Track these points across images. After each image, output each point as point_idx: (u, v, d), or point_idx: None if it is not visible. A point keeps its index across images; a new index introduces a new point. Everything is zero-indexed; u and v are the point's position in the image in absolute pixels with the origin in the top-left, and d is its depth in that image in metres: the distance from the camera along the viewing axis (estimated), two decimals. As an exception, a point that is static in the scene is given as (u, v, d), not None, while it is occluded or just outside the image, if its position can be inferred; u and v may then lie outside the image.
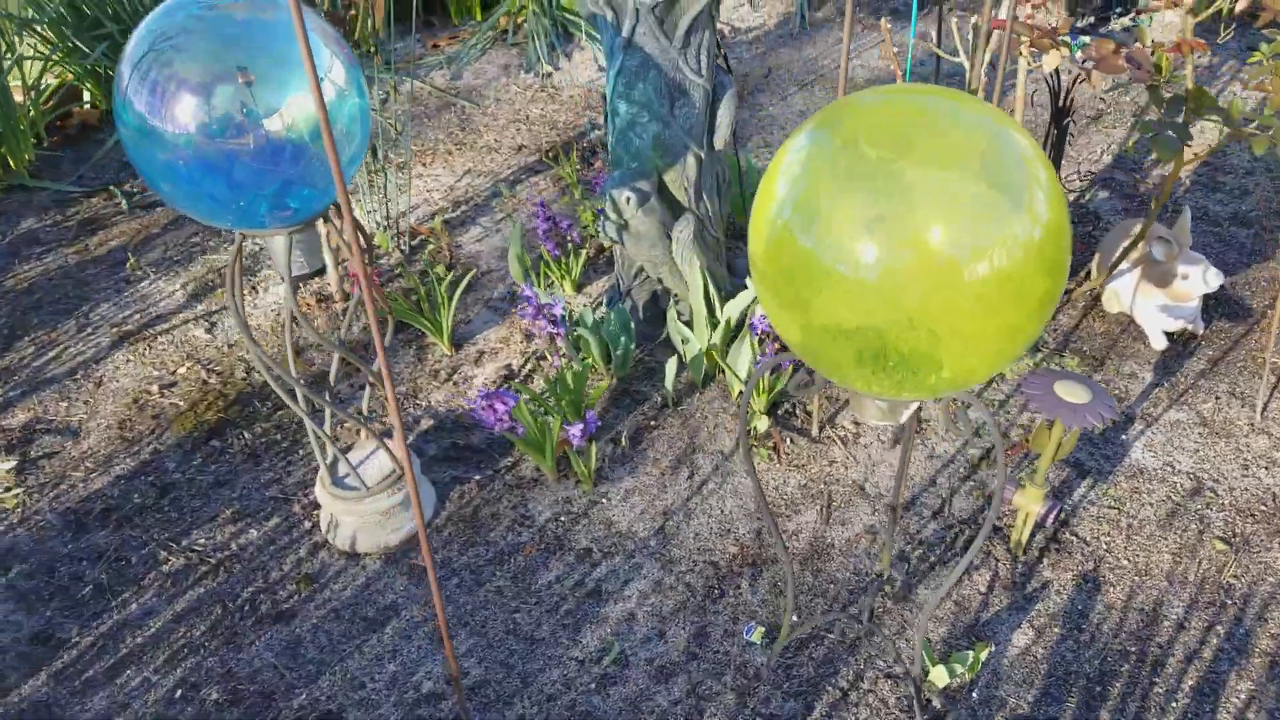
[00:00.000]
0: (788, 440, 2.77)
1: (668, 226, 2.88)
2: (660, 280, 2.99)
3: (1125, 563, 2.45)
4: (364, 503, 2.50)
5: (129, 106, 1.87)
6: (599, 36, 4.08)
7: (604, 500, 2.66)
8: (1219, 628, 2.31)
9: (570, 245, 3.30)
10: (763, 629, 2.34)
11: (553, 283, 3.28)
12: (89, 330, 3.26)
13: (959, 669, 2.20)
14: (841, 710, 2.18)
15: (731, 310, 2.90)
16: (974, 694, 2.20)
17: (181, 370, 3.09)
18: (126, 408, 2.98)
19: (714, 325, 2.88)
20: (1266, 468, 2.66)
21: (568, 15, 4.75)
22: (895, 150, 1.29)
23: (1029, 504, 2.38)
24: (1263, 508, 2.56)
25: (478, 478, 2.73)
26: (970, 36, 3.25)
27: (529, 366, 3.03)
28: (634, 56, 2.71)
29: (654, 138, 2.79)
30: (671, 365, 2.83)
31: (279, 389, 2.30)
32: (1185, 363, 2.97)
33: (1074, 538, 2.50)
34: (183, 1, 1.90)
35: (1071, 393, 2.18)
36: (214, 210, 1.93)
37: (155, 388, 3.03)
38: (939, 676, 2.19)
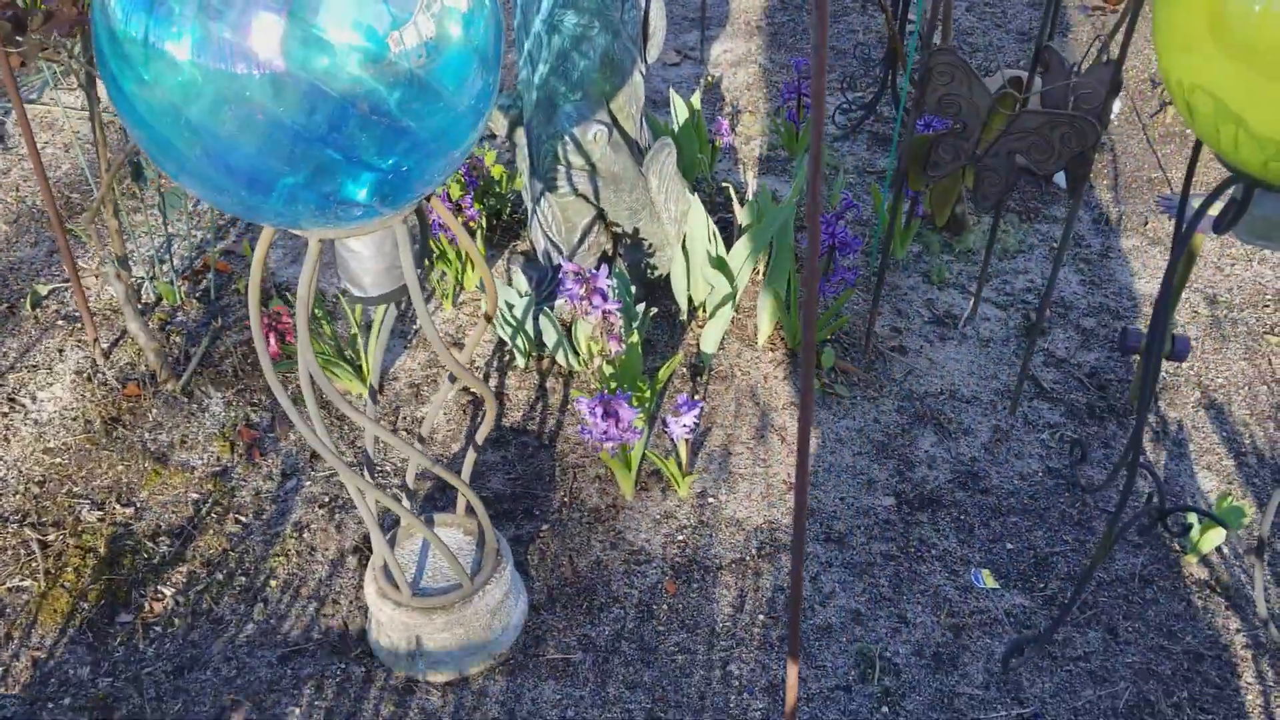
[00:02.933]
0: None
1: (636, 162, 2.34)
2: (628, 236, 2.43)
3: None
4: (472, 603, 1.74)
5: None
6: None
7: (710, 499, 2.11)
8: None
9: (474, 226, 2.60)
10: (988, 571, 1.98)
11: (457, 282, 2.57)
12: None
13: None
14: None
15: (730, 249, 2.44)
16: None
17: (-14, 539, 2.00)
18: (-66, 619, 1.87)
19: (720, 265, 2.39)
20: None
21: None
22: None
23: (1156, 347, 2.22)
24: None
25: (545, 526, 2.05)
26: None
27: (495, 378, 2.34)
28: (580, -51, 2.14)
29: (602, 55, 2.23)
30: (716, 327, 2.31)
31: (352, 485, 1.52)
32: None
33: None
34: None
35: None
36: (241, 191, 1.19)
37: (-36, 575, 1.94)
38: None
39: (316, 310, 2.29)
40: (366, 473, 1.81)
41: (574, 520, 2.06)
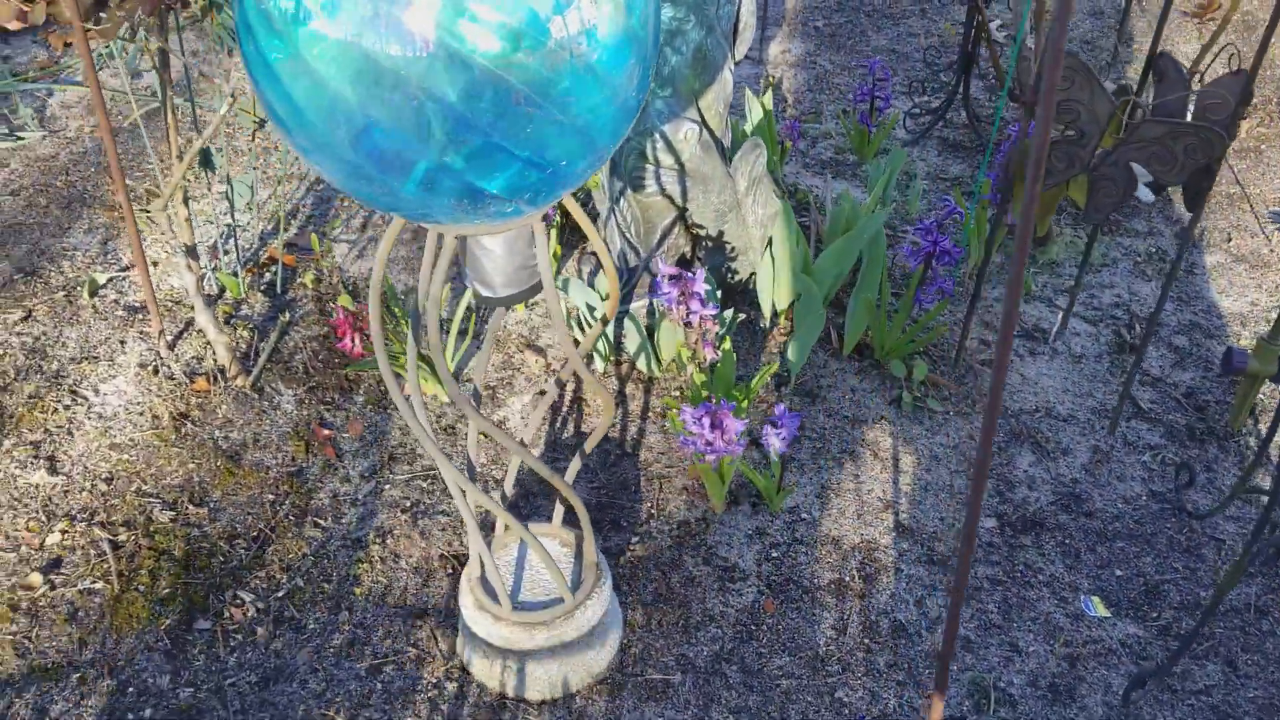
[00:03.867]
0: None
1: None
2: (710, 239, 2.35)
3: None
4: (574, 618, 1.66)
5: None
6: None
7: (804, 516, 2.03)
8: None
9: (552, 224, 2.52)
10: (1098, 598, 1.90)
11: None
12: None
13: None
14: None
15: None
16: None
17: (53, 538, 1.92)
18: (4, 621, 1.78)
19: (810, 271, 2.31)
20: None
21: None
22: None
23: (1264, 366, 2.15)
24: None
25: (635, 539, 1.97)
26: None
27: (570, 383, 2.27)
28: (681, -60, 2.06)
29: (695, 51, 2.16)
30: (805, 336, 2.22)
31: (457, 489, 1.44)
32: None
33: None
34: None
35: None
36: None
37: (33, 577, 1.85)
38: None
39: (396, 309, 2.21)
40: (467, 474, 1.73)
41: (663, 533, 1.98)
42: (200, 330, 2.32)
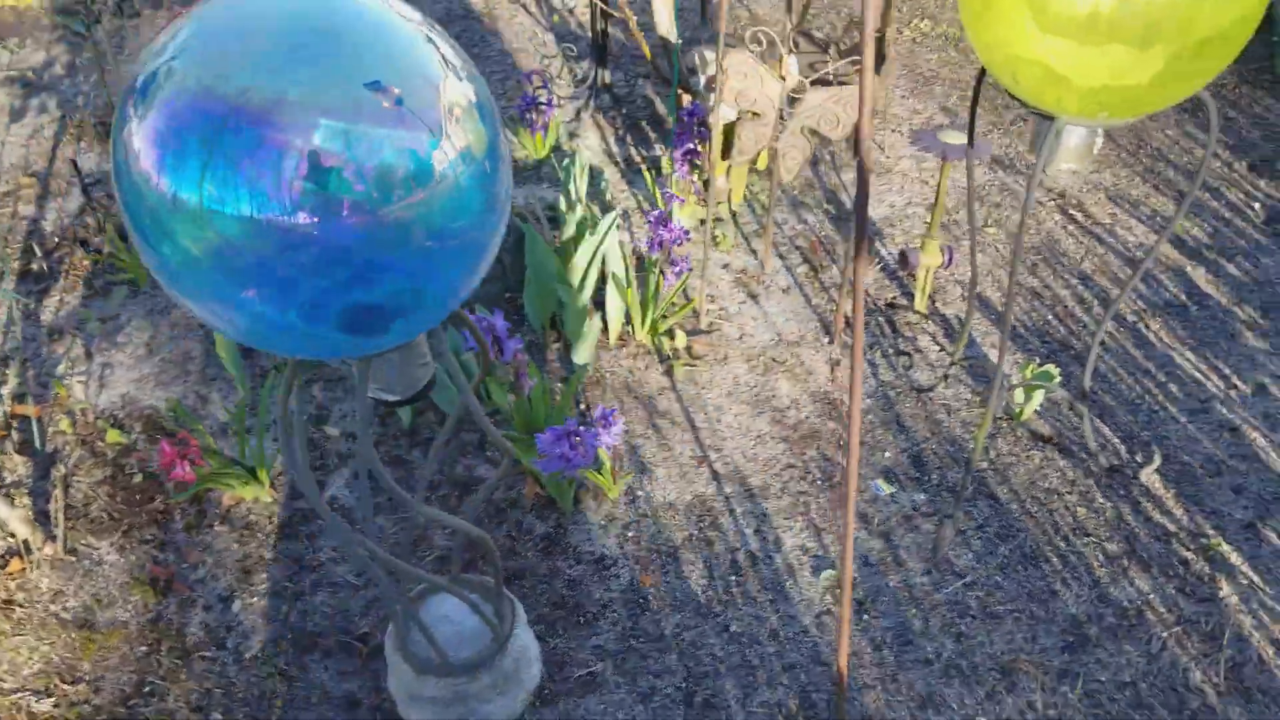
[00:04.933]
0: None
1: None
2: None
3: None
4: (508, 651, 1.84)
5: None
6: None
7: (638, 494, 2.29)
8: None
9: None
10: (882, 480, 2.33)
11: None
12: None
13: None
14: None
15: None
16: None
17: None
18: None
19: (564, 280, 2.54)
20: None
21: None
22: None
23: (931, 259, 2.67)
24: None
25: (510, 563, 2.14)
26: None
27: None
28: None
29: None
30: (588, 339, 2.45)
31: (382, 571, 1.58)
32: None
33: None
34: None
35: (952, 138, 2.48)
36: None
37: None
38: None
39: (197, 425, 2.20)
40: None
41: (531, 549, 2.18)
42: (-22, 512, 2.18)
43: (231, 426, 2.39)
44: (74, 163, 2.92)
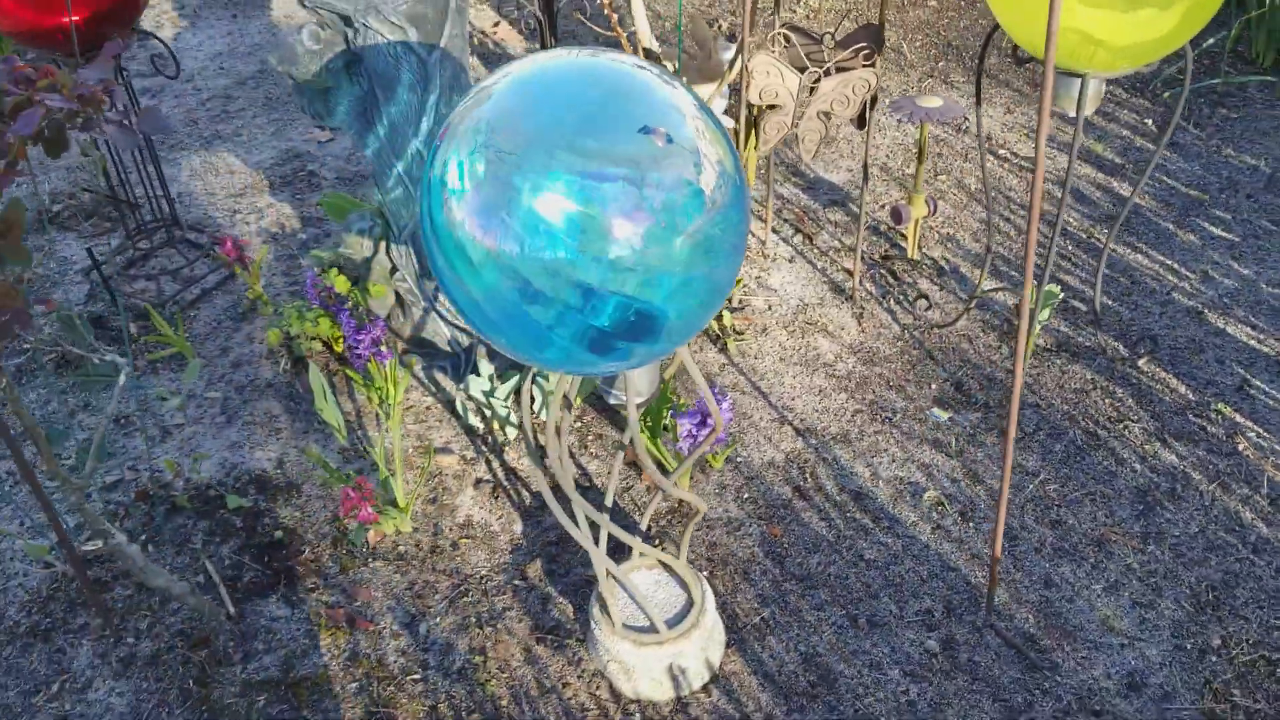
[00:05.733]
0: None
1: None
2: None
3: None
4: (706, 611, 2.07)
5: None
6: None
7: (737, 460, 2.54)
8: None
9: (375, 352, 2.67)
10: (937, 408, 2.66)
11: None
12: None
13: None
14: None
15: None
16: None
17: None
18: None
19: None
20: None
21: None
22: None
23: (919, 211, 3.01)
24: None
25: (650, 540, 2.36)
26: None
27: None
28: (448, 66, 2.34)
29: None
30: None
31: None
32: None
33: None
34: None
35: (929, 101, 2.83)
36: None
37: None
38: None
39: (350, 474, 2.33)
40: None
41: (663, 520, 2.40)
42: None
43: (368, 467, 2.51)
44: (89, 251, 2.93)
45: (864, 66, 2.60)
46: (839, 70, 2.62)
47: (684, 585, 2.14)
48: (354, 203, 3.05)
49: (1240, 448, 2.51)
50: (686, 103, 1.49)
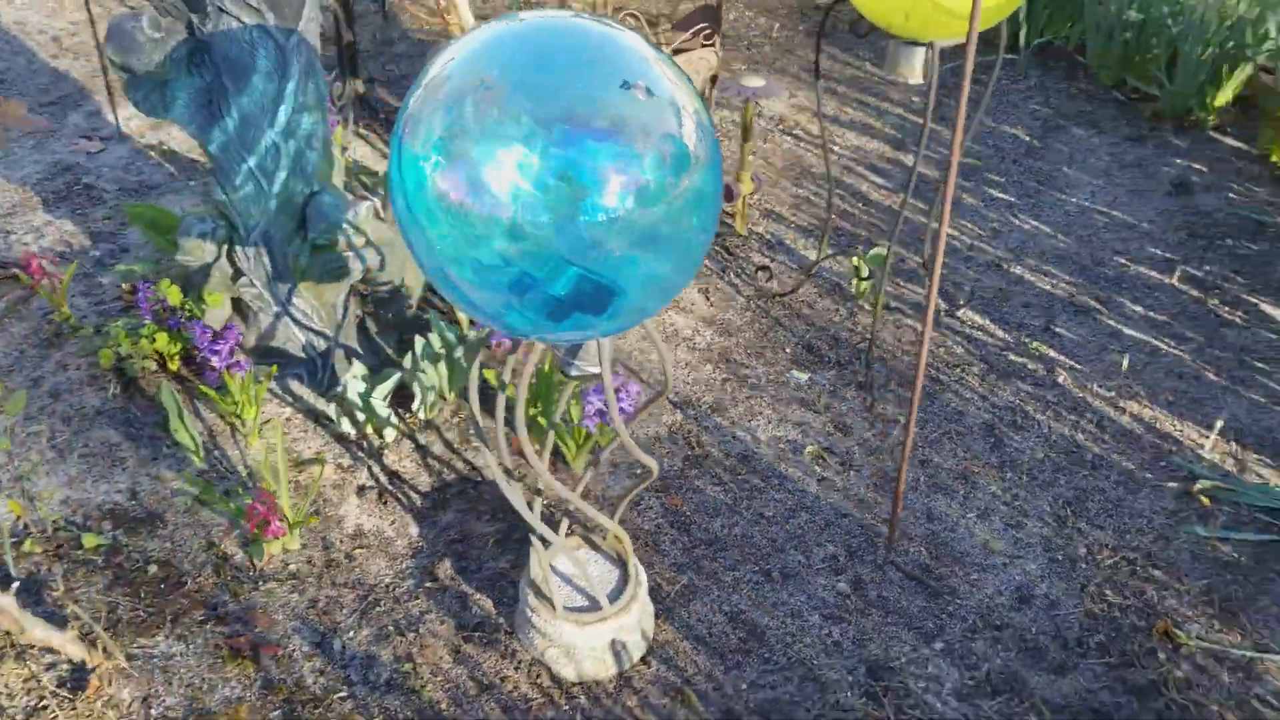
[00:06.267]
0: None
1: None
2: (381, 286, 2.59)
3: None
4: (642, 584, 2.08)
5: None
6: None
7: (621, 437, 2.56)
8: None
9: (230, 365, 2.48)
10: (795, 371, 2.79)
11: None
12: None
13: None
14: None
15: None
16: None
17: None
18: None
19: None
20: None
21: None
22: None
23: (747, 187, 3.14)
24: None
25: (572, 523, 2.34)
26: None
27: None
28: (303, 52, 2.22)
29: (324, 143, 2.38)
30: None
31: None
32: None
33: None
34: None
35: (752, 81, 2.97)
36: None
37: None
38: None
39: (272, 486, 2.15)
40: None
41: (554, 503, 2.39)
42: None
43: (236, 487, 2.33)
44: None
45: (704, 46, 2.68)
46: (678, 52, 2.70)
47: (611, 560, 2.14)
48: (163, 211, 2.83)
49: (1060, 379, 2.80)
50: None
